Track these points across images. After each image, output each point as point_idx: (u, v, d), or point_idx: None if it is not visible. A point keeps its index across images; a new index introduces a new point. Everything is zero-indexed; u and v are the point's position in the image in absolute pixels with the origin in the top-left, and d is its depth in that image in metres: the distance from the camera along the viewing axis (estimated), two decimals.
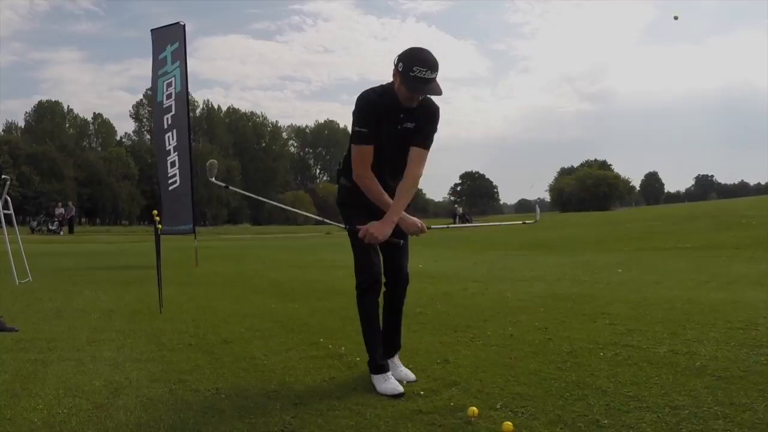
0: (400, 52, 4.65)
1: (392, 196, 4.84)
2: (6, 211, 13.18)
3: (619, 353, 5.53)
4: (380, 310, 5.03)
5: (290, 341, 6.50)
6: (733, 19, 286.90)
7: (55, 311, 8.80)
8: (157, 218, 8.92)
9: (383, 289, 5.04)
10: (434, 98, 4.87)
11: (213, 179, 5.49)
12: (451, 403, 4.26)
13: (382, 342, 5.02)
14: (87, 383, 4.94)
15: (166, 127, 17.92)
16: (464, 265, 16.34)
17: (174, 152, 17.70)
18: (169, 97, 18.03)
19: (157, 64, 18.51)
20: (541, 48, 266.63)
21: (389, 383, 4.68)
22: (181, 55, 18.14)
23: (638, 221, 34.88)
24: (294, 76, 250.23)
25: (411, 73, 4.50)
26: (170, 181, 17.68)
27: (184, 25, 18.53)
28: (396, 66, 4.64)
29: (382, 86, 4.85)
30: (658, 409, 3.96)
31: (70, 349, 6.28)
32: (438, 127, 4.96)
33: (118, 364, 5.56)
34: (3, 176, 12.58)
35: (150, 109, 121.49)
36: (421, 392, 4.52)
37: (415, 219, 4.98)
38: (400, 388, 4.61)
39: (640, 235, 25.04)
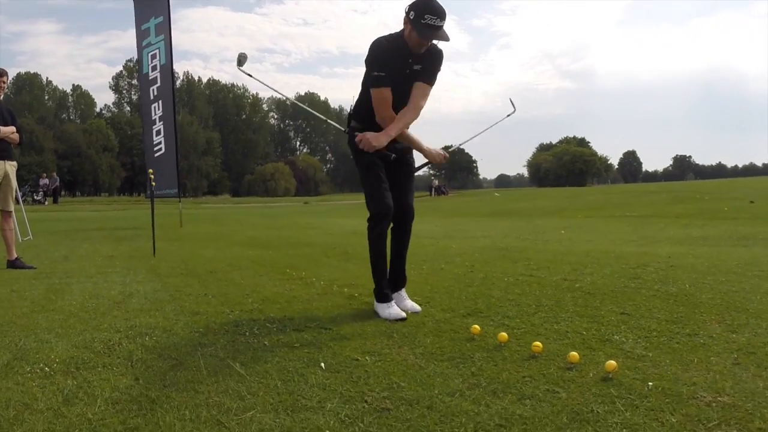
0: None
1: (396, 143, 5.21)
2: None
3: (520, 279, 6.92)
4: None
5: (262, 271, 8.02)
6: (715, 1, 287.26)
7: (63, 257, 10.23)
8: (152, 176, 10.39)
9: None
10: (440, 44, 5.11)
11: (241, 67, 5.39)
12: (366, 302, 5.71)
13: (390, 277, 5.37)
14: (105, 292, 6.47)
15: (152, 98, 19.04)
16: (427, 227, 17.63)
17: (159, 121, 18.86)
18: (154, 69, 19.11)
19: (141, 35, 19.43)
20: (521, 25, 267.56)
21: (392, 309, 5.07)
22: (165, 29, 19.11)
23: (601, 194, 36.27)
24: (273, 48, 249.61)
25: (422, 21, 4.77)
26: (156, 149, 18.85)
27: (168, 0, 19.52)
28: (407, 14, 4.87)
29: (391, 34, 5.11)
30: (526, 306, 5.39)
31: (85, 277, 7.75)
32: (441, 68, 5.24)
33: (126, 284, 7.07)
34: None
35: (130, 80, 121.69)
36: (356, 294, 6.03)
37: (438, 149, 5.48)
38: (403, 314, 5.02)
39: (596, 206, 26.41)
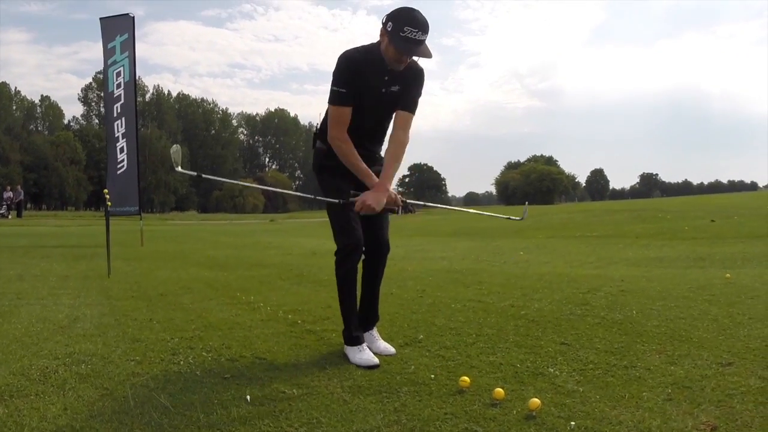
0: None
1: (372, 162, 4.77)
2: None
3: (467, 305, 6.97)
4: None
5: (212, 294, 8.03)
6: (681, 23, 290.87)
7: (17, 276, 10.17)
8: (107, 195, 10.39)
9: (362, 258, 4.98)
10: (420, 60, 4.69)
11: (180, 168, 5.13)
12: (318, 328, 5.82)
13: (360, 314, 5.04)
14: (52, 316, 6.46)
15: (115, 115, 19.03)
16: None
17: (123, 138, 18.85)
18: (118, 86, 19.10)
19: (107, 53, 19.43)
20: (490, 44, 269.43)
21: (364, 354, 4.65)
22: (129, 47, 19.19)
23: (564, 213, 36.34)
24: (244, 63, 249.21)
25: (401, 34, 4.35)
26: (119, 165, 18.83)
27: (133, 17, 19.61)
28: (384, 26, 4.47)
29: (364, 46, 4.67)
30: (466, 335, 5.42)
31: (35, 299, 7.71)
32: (421, 90, 4.82)
33: (75, 307, 7.06)
34: None
35: (99, 93, 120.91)
36: (299, 321, 6.07)
37: (396, 195, 4.80)
38: (375, 360, 4.57)
39: (559, 226, 26.58)
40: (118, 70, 19.16)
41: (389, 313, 6.45)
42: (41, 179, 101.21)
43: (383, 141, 4.97)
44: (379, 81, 4.61)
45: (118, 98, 19.06)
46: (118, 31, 19.34)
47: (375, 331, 5.11)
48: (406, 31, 4.33)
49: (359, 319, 4.99)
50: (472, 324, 5.90)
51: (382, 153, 4.92)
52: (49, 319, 6.31)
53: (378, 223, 4.94)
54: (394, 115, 4.76)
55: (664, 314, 6.14)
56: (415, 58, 4.54)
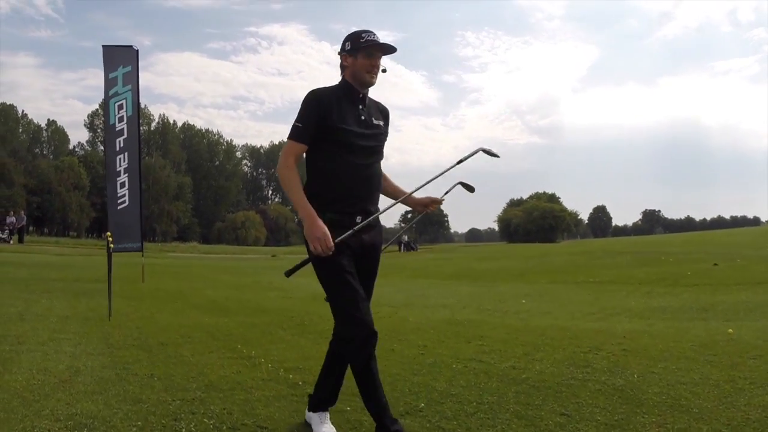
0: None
1: (366, 209, 4.53)
2: None
3: (468, 366, 6.94)
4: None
5: (213, 346, 7.97)
6: (677, 60, 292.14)
7: (18, 315, 10.12)
8: (110, 238, 10.39)
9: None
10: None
11: None
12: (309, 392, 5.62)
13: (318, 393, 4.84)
14: (53, 367, 6.42)
15: (118, 149, 18.90)
16: (388, 291, 17.57)
17: (124, 174, 18.72)
18: (121, 120, 18.98)
19: (109, 84, 19.29)
20: (490, 81, 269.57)
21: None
22: (133, 80, 19.06)
23: (566, 255, 36.25)
24: (248, 96, 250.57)
25: (362, 41, 4.47)
26: (119, 201, 18.73)
27: (137, 51, 19.59)
28: (344, 50, 4.57)
29: (331, 85, 4.64)
30: (467, 403, 5.39)
31: (36, 343, 7.69)
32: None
33: (76, 356, 7.04)
34: None
35: (105, 120, 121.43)
36: (300, 383, 6.03)
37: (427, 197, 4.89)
38: None
39: (559, 269, 26.44)
40: (120, 102, 19.04)
41: (390, 374, 6.42)
42: (44, 203, 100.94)
43: (378, 190, 4.72)
44: (355, 111, 4.54)
45: (120, 132, 18.97)
46: (121, 62, 19.25)
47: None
48: (363, 36, 4.49)
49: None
50: (473, 390, 5.87)
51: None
52: (49, 370, 6.29)
53: (367, 294, 4.61)
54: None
55: (665, 379, 6.12)
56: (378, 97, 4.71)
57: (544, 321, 11.01)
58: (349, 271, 4.38)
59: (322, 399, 4.80)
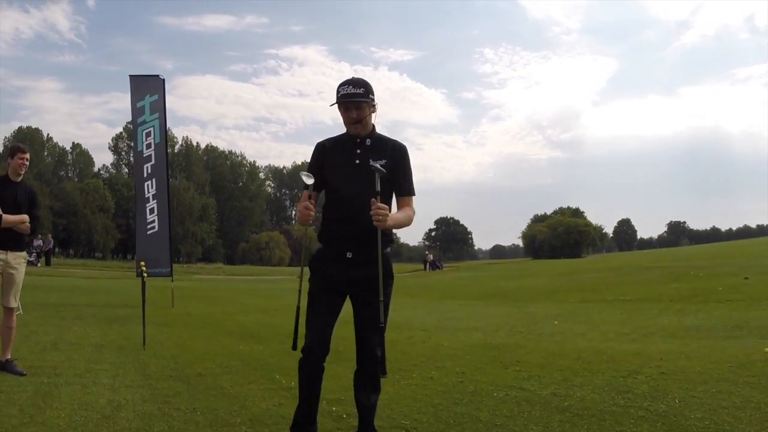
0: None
1: (357, 245, 4.83)
2: None
3: (510, 394, 6.89)
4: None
5: (252, 376, 7.92)
6: (696, 68, 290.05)
7: (51, 343, 10.13)
8: (143, 267, 10.40)
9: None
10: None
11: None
12: (354, 424, 5.64)
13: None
14: (94, 401, 6.39)
15: (146, 175, 19.05)
16: (419, 314, 17.54)
17: (153, 200, 18.86)
18: (148, 147, 19.14)
19: (136, 112, 19.50)
20: (510, 97, 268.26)
21: None
22: (160, 108, 19.25)
23: (594, 272, 35.95)
24: (269, 117, 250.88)
25: (339, 95, 4.78)
26: (149, 227, 18.86)
27: (163, 80, 19.73)
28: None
29: (336, 136, 5.08)
30: None
31: (73, 375, 7.69)
32: (410, 166, 5.04)
33: (115, 389, 7.02)
34: None
35: (129, 143, 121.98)
36: (344, 415, 5.99)
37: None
38: None
39: (590, 287, 26.17)
40: (148, 130, 19.21)
41: (432, 404, 6.42)
42: (70, 225, 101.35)
43: (374, 237, 4.75)
44: (350, 155, 4.89)
45: (148, 158, 19.11)
46: (148, 90, 19.43)
47: None
48: (341, 90, 4.79)
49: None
50: (518, 419, 5.84)
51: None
52: (91, 404, 6.26)
53: (365, 329, 5.10)
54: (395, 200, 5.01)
55: (706, 403, 6.09)
56: (389, 135, 5.04)
57: (579, 343, 10.89)
58: (318, 299, 4.99)
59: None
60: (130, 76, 19.87)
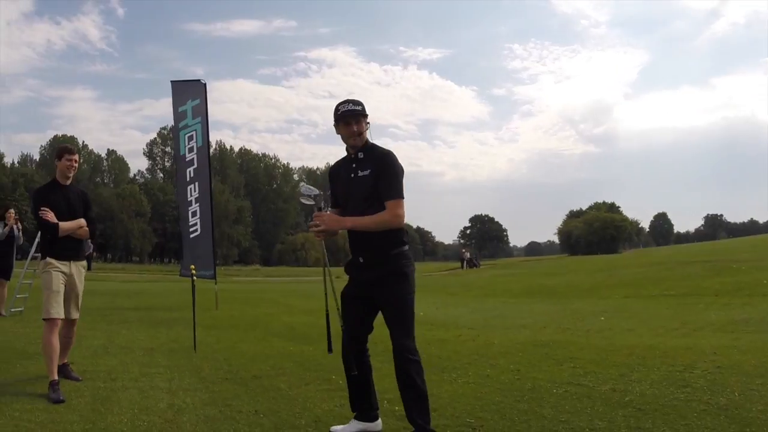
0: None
1: (363, 249, 5.31)
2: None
3: (569, 390, 6.85)
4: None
5: (308, 377, 7.88)
6: (731, 59, 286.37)
7: (102, 348, 10.19)
8: (194, 271, 10.43)
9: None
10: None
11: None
12: (432, 424, 5.57)
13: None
14: (154, 405, 6.39)
15: (188, 179, 19.09)
16: (463, 312, 17.58)
17: (196, 203, 18.90)
18: (191, 150, 19.18)
19: (178, 117, 19.58)
20: (541, 92, 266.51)
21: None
22: (202, 112, 19.27)
23: (634, 267, 35.66)
24: (301, 119, 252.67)
25: (338, 114, 5.29)
26: (191, 230, 18.89)
27: (205, 84, 19.77)
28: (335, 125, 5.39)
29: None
30: (580, 429, 5.36)
31: (128, 379, 7.71)
32: (397, 173, 5.24)
33: (173, 392, 7.02)
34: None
35: (163, 148, 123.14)
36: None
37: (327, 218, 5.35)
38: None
39: (631, 282, 25.97)
40: (190, 134, 19.23)
41: (493, 401, 6.40)
42: (107, 230, 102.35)
43: (373, 234, 5.24)
44: (348, 170, 5.39)
45: (191, 162, 19.14)
46: (190, 95, 19.48)
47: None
48: (341, 108, 5.30)
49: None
50: (582, 415, 5.83)
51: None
52: (151, 409, 6.25)
53: (390, 326, 5.29)
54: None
55: (766, 396, 6.12)
56: (374, 141, 5.41)
57: (629, 339, 10.83)
58: (347, 302, 5.53)
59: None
60: (171, 81, 20.00)
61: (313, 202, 5.59)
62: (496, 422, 5.61)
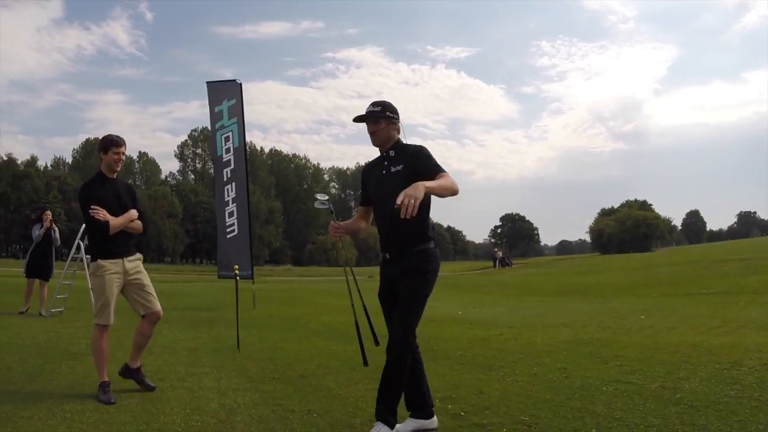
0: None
1: (390, 244, 5.50)
2: (87, 255, 14.78)
3: (619, 388, 6.84)
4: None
5: (356, 377, 7.87)
6: (762, 52, 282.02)
7: (146, 347, 10.21)
8: (237, 271, 10.46)
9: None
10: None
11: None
12: (484, 421, 5.66)
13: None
14: (205, 405, 6.39)
15: (225, 180, 19.15)
16: (501, 311, 17.55)
17: (233, 203, 18.96)
18: (227, 151, 19.23)
19: (214, 117, 19.64)
20: (570, 90, 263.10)
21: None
22: (238, 112, 19.31)
23: (669, 265, 35.49)
24: (330, 120, 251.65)
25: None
26: (228, 230, 18.96)
27: (240, 84, 19.83)
28: None
29: None
30: (635, 426, 5.33)
31: (176, 379, 7.76)
32: (431, 155, 5.41)
33: (222, 392, 7.03)
34: (84, 224, 14.15)
35: (195, 150, 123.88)
36: (462, 413, 5.94)
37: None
38: None
39: (668, 281, 25.90)
40: (227, 134, 19.28)
41: (544, 399, 6.42)
42: None
43: (401, 231, 5.39)
44: (379, 169, 5.64)
45: (227, 163, 19.18)
46: (225, 95, 19.50)
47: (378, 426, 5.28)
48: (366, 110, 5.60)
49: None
50: (635, 412, 5.83)
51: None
52: (203, 409, 6.26)
53: (395, 318, 5.45)
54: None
55: None
56: (407, 141, 5.67)
57: (672, 337, 10.78)
58: (382, 299, 5.74)
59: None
60: (207, 82, 20.01)
61: (327, 206, 6.41)
62: (550, 420, 5.60)
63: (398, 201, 4.65)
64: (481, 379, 7.56)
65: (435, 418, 5.60)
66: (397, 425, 5.34)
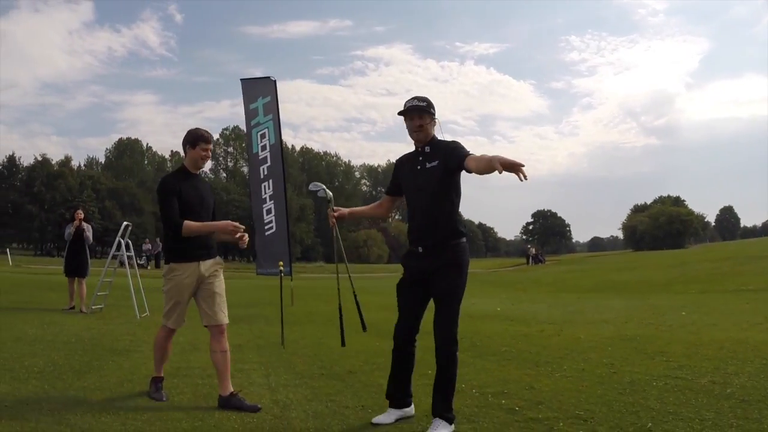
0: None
1: (424, 238, 5.60)
2: (127, 253, 14.92)
3: (668, 383, 6.86)
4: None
5: None
6: None
7: (189, 345, 10.28)
8: (281, 267, 10.55)
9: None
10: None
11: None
12: (539, 416, 5.68)
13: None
14: (258, 401, 6.39)
15: (262, 177, 19.15)
16: (540, 308, 17.54)
17: (270, 200, 18.96)
18: (264, 148, 19.21)
19: (249, 115, 19.64)
20: (601, 84, 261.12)
21: (380, 416, 5.73)
22: (273, 109, 19.30)
23: (706, 262, 35.35)
24: (360, 117, 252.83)
25: (405, 107, 5.69)
26: (267, 227, 19.02)
27: (275, 81, 19.85)
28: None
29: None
30: (690, 420, 5.36)
31: None
32: (460, 146, 5.57)
33: (273, 388, 7.10)
34: (125, 222, 14.31)
35: (226, 148, 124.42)
36: (516, 408, 5.96)
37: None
38: (380, 419, 5.68)
39: (706, 277, 25.79)
40: (263, 132, 19.23)
41: (596, 394, 6.46)
42: None
43: (434, 217, 5.60)
44: (414, 163, 5.74)
45: (264, 160, 19.16)
46: (260, 93, 19.43)
47: (436, 422, 5.40)
48: (407, 104, 5.69)
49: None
50: (688, 407, 5.86)
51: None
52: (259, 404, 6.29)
53: (437, 315, 5.63)
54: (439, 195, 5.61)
55: None
56: (440, 137, 5.75)
57: (716, 334, 10.78)
58: (403, 291, 5.90)
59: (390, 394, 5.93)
60: (241, 79, 19.95)
61: (324, 195, 6.72)
62: (605, 414, 5.62)
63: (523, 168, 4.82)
64: (530, 374, 7.57)
65: (412, 406, 5.94)
66: (379, 417, 5.70)
